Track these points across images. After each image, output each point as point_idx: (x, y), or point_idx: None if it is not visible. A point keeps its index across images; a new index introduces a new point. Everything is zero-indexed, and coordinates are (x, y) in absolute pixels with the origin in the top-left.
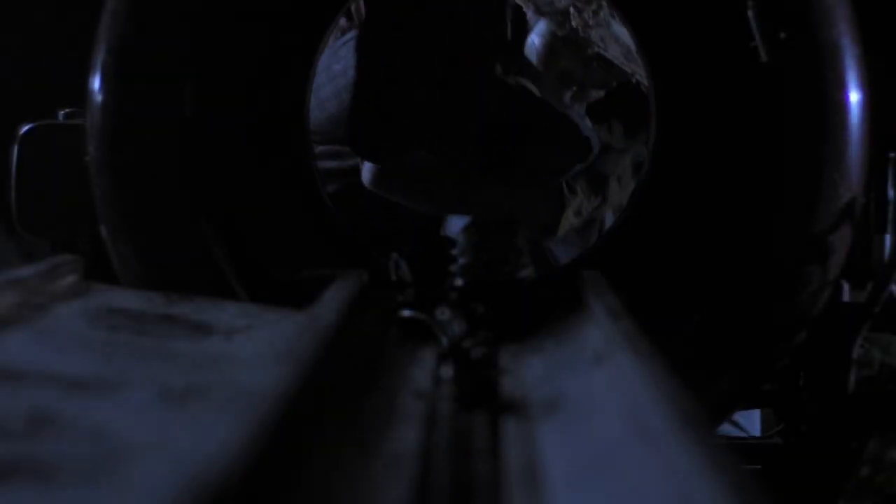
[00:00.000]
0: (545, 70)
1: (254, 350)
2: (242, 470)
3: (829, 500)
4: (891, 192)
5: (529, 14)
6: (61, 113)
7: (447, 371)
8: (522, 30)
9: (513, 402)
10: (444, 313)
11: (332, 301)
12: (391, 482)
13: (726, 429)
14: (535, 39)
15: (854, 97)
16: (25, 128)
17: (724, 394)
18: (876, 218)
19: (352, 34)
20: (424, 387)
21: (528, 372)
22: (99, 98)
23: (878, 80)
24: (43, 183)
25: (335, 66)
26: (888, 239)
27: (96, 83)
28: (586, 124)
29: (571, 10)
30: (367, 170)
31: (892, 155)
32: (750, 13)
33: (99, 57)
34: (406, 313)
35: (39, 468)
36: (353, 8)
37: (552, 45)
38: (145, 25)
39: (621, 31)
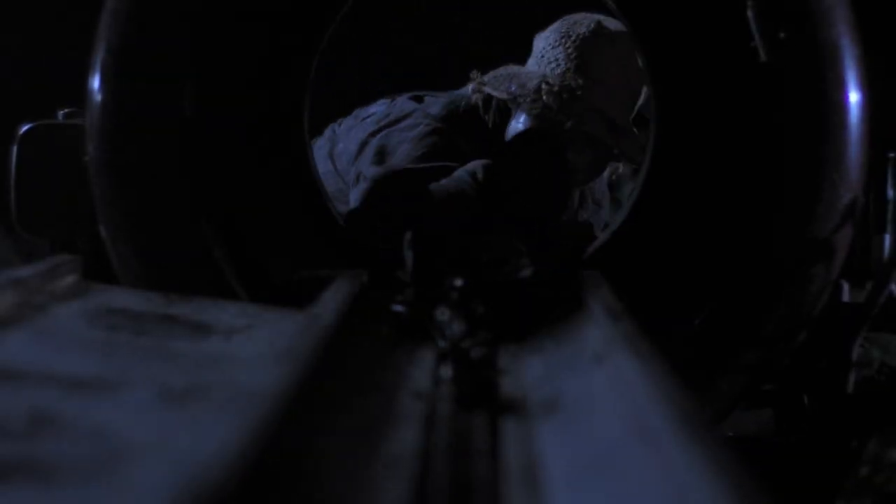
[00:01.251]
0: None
1: (254, 350)
2: (242, 470)
3: (829, 499)
4: (890, 192)
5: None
6: (61, 113)
7: (446, 371)
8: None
9: (512, 403)
10: (443, 313)
11: (331, 301)
12: (390, 482)
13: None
14: (517, 127)
15: (853, 97)
16: (25, 127)
17: (724, 394)
18: (875, 218)
19: (364, 114)
20: (424, 387)
21: (527, 372)
22: (98, 98)
23: (878, 80)
24: (42, 183)
25: (339, 144)
26: (887, 239)
27: (96, 83)
28: (599, 188)
29: (543, 86)
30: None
31: (891, 155)
32: (749, 13)
33: (98, 57)
34: (405, 313)
35: (39, 468)
36: None
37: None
38: (145, 25)
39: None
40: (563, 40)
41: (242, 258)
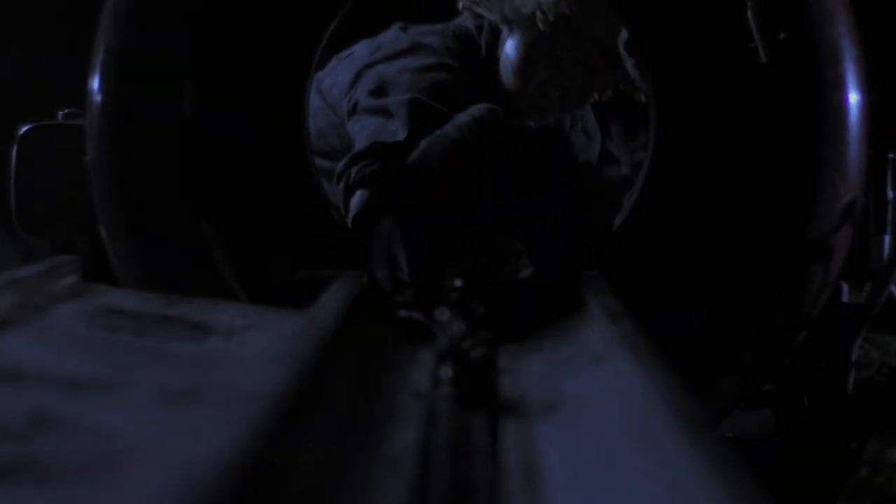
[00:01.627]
0: (523, 83)
1: (253, 351)
2: (241, 471)
3: (829, 500)
4: (890, 193)
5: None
6: (61, 113)
7: (446, 371)
8: (495, 49)
9: (512, 403)
10: (443, 314)
11: (331, 302)
12: (390, 483)
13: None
14: (509, 53)
15: (853, 98)
16: (25, 128)
17: (724, 394)
18: (875, 218)
19: (346, 53)
20: (423, 387)
21: (527, 372)
22: (98, 98)
23: (878, 80)
24: (42, 183)
25: (326, 80)
26: (887, 239)
27: (95, 83)
28: (590, 121)
29: (538, 14)
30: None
31: (891, 155)
32: (749, 13)
33: (98, 57)
34: (405, 314)
35: (39, 469)
36: None
37: (526, 56)
38: (144, 26)
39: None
40: None
41: (242, 258)
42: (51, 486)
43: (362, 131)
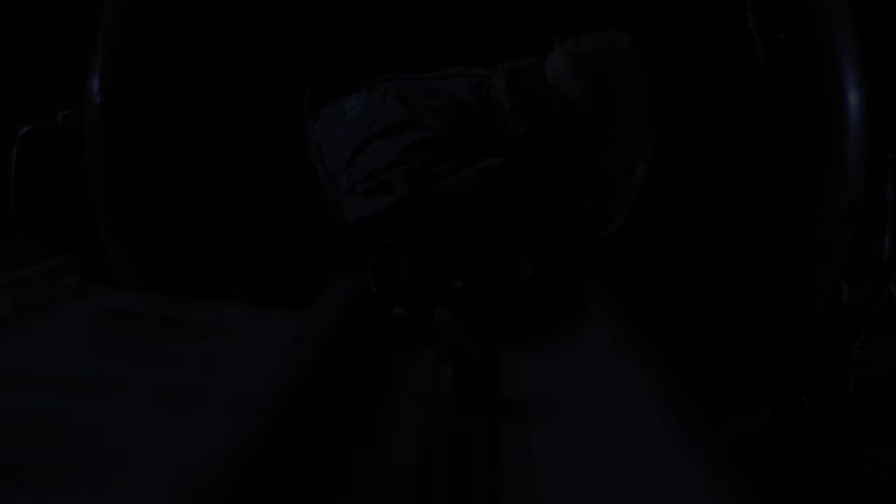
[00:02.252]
0: (511, 105)
1: (253, 352)
2: (241, 472)
3: (829, 500)
4: (890, 193)
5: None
6: (60, 115)
7: (446, 373)
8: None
9: (512, 404)
10: (443, 315)
11: (331, 303)
12: (390, 484)
13: None
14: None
15: (853, 98)
16: (25, 130)
17: (724, 394)
18: (875, 219)
19: (342, 111)
20: (424, 388)
21: (527, 373)
22: (98, 100)
23: (878, 81)
24: (42, 184)
25: (325, 147)
26: (887, 240)
27: (95, 85)
28: None
29: None
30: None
31: (890, 156)
32: (748, 14)
33: (98, 59)
34: (405, 315)
35: (39, 469)
36: None
37: (510, 82)
38: (144, 28)
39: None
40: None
41: (242, 258)
42: (51, 486)
43: (359, 207)
